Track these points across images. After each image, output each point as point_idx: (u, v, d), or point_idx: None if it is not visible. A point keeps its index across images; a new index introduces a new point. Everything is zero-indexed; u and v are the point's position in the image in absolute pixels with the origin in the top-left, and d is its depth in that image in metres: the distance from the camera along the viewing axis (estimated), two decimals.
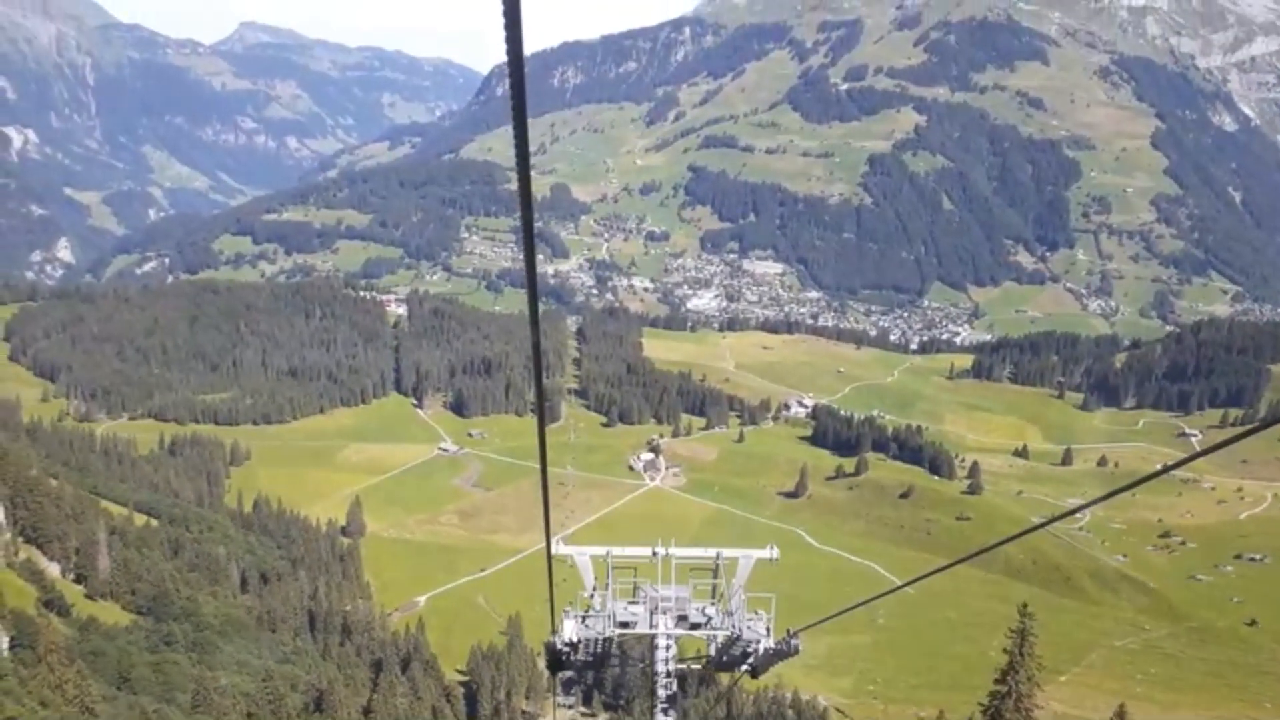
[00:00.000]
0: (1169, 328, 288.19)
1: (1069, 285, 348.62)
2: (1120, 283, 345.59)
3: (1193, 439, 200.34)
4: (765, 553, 14.45)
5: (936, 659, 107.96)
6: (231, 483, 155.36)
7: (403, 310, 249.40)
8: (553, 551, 13.70)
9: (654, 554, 13.99)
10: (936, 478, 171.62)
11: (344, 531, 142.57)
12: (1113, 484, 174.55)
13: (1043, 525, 14.38)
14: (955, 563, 12.72)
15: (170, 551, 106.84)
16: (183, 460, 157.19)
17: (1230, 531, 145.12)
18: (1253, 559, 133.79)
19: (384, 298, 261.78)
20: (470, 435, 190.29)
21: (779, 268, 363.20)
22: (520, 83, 3.98)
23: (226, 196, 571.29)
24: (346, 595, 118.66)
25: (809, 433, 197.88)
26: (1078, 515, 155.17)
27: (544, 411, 7.76)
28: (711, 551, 14.26)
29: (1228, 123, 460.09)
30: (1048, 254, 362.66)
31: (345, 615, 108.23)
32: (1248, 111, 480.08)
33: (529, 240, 4.70)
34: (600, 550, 14.09)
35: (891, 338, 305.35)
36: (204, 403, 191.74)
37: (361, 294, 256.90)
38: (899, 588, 17.02)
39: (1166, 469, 9.14)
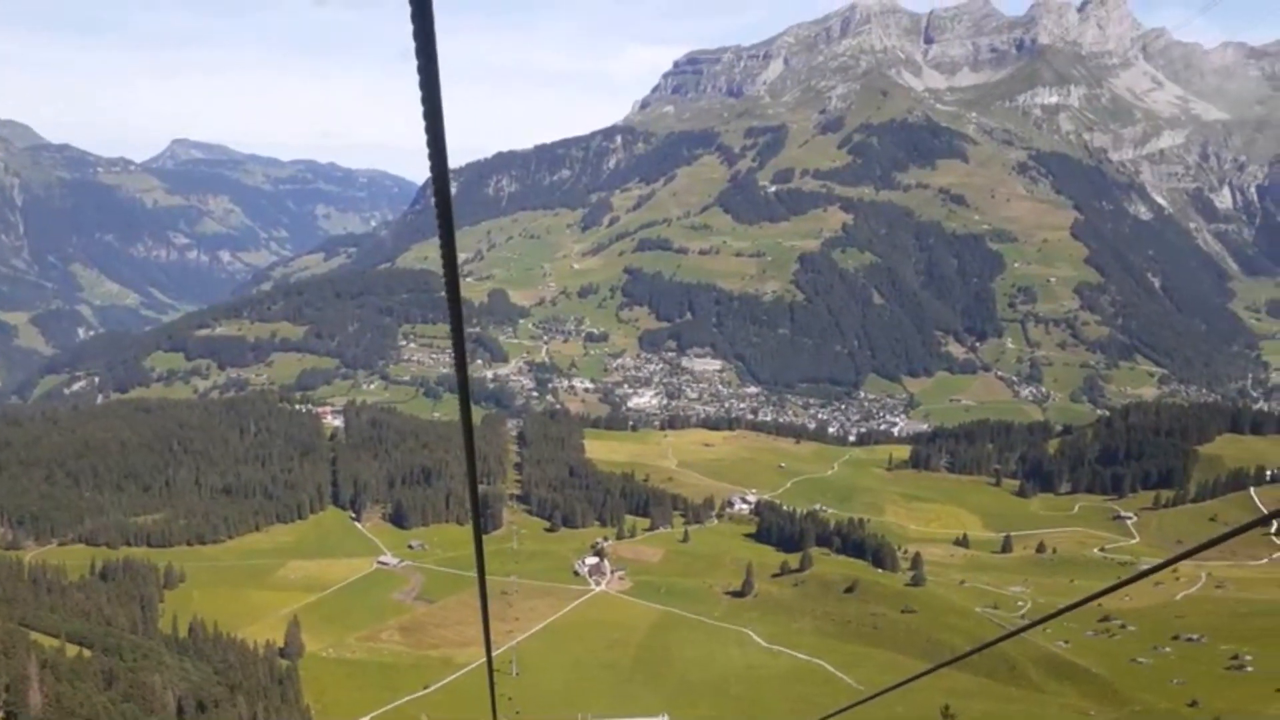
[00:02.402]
0: (1099, 412, 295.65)
1: (1000, 373, 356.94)
2: (1049, 369, 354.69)
3: (1127, 521, 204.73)
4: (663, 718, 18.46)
5: None
6: (166, 606, 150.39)
7: (339, 421, 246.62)
8: None
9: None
10: (880, 570, 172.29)
11: (282, 653, 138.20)
12: (1052, 570, 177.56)
13: (1041, 622, 15.06)
14: (940, 665, 13.32)
15: (104, 683, 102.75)
16: (115, 585, 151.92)
17: (1168, 613, 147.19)
18: (1190, 639, 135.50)
19: (320, 409, 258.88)
20: (410, 547, 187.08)
21: (717, 364, 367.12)
22: (445, 192, 3.86)
23: (158, 313, 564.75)
24: None
25: (753, 529, 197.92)
26: (1019, 602, 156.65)
27: (480, 529, 8.12)
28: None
29: (1143, 212, 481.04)
30: (977, 344, 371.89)
31: None
32: (1160, 201, 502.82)
33: (459, 344, 4.75)
34: None
35: (830, 430, 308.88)
36: (136, 525, 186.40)
37: (297, 406, 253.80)
38: (891, 688, 17.76)
39: (1187, 554, 10.00)
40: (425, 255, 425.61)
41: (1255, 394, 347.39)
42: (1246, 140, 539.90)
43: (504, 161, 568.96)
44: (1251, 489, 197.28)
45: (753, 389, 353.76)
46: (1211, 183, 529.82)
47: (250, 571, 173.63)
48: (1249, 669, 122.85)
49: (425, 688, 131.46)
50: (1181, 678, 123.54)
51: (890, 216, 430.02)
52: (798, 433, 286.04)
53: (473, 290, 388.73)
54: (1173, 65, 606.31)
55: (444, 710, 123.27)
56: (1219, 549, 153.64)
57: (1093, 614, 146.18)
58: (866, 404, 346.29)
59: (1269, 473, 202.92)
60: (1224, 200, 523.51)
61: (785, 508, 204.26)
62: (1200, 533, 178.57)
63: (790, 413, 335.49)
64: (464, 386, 4.97)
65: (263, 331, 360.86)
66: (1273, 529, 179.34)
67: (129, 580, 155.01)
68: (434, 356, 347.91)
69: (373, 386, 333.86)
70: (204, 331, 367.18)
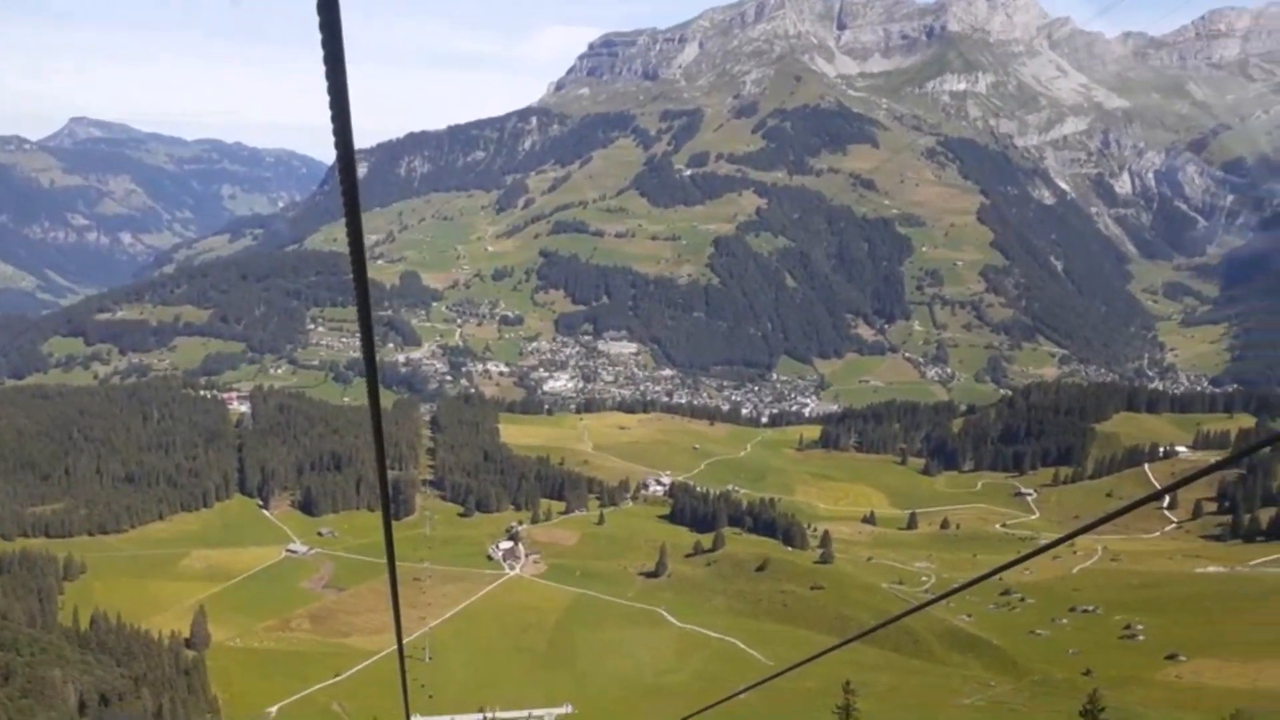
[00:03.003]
0: (1002, 392, 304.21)
1: (907, 355, 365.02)
2: (955, 350, 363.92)
3: (1027, 498, 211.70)
4: (564, 709, 20.15)
5: None
6: (66, 599, 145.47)
7: (246, 408, 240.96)
8: None
9: (484, 718, 18.60)
10: (790, 549, 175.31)
11: (188, 644, 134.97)
12: (955, 546, 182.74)
13: (944, 597, 15.39)
14: (847, 641, 13.56)
15: (0, 679, 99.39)
16: (11, 578, 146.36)
17: (1065, 586, 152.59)
18: (1086, 611, 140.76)
19: (226, 395, 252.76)
20: (320, 534, 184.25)
21: (633, 347, 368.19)
22: (351, 173, 3.78)
23: (56, 296, 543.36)
24: (193, 711, 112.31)
25: (668, 511, 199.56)
26: (924, 578, 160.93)
27: (389, 515, 7.34)
28: (525, 713, 19.50)
29: (1046, 197, 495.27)
30: (886, 326, 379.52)
31: None
32: (1063, 186, 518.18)
33: (366, 327, 4.62)
34: (447, 719, 18.81)
35: (744, 412, 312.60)
36: (34, 515, 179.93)
37: (202, 392, 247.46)
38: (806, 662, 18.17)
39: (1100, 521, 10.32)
40: (334, 237, 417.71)
41: (1151, 373, 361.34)
42: (1146, 128, 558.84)
43: (416, 142, 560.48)
44: (1146, 465, 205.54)
45: (668, 372, 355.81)
46: (1112, 169, 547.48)
47: (154, 561, 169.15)
48: (1140, 638, 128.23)
49: (336, 675, 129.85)
50: (1077, 648, 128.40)
51: (803, 201, 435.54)
52: (712, 415, 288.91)
53: (384, 272, 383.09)
54: (1076, 54, 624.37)
55: (356, 698, 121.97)
56: (1114, 523, 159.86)
57: (994, 588, 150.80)
58: (779, 386, 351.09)
59: (1162, 449, 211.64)
60: (1124, 186, 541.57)
61: (699, 489, 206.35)
62: (1097, 508, 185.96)
63: (705, 395, 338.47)
64: (372, 370, 4.89)
65: (166, 315, 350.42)
66: (1165, 504, 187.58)
67: (26, 572, 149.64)
68: (344, 340, 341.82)
69: (280, 371, 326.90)
70: (104, 316, 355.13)
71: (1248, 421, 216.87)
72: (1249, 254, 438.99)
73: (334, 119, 3.68)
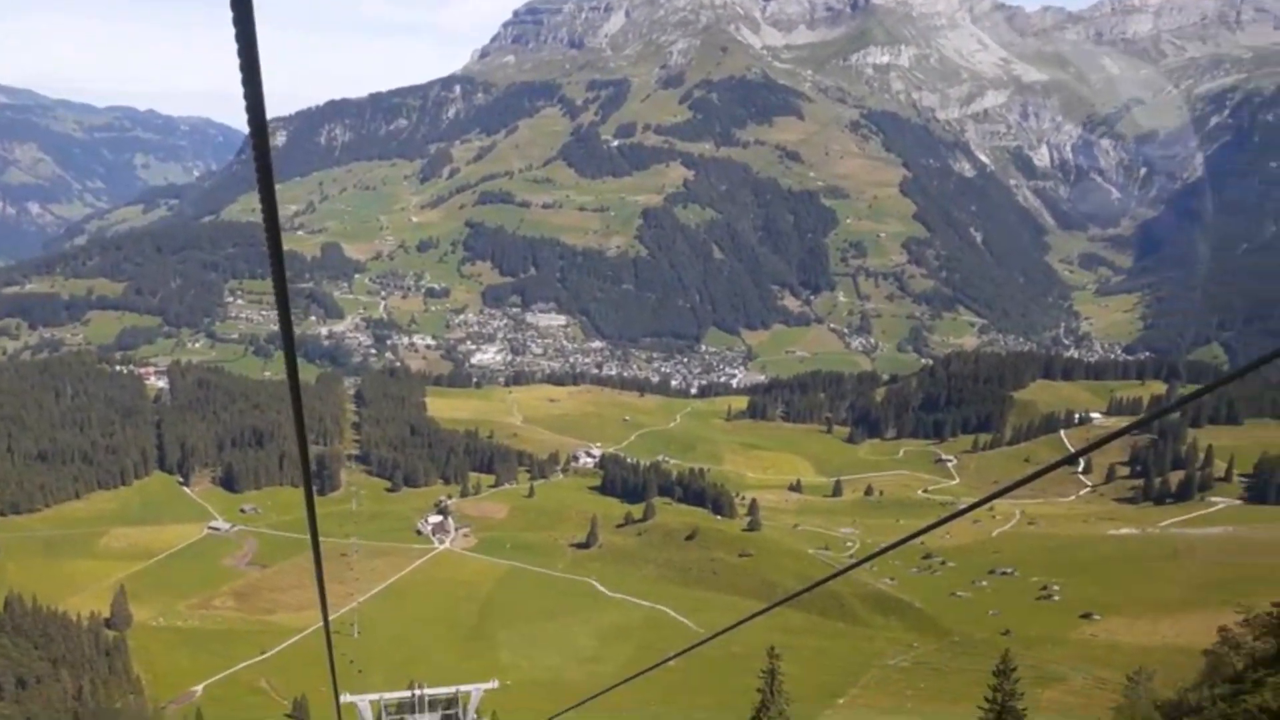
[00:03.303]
0: (923, 361, 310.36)
1: (832, 326, 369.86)
2: (878, 321, 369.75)
3: (948, 464, 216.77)
4: (489, 685, 19.76)
5: (724, 694, 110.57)
6: None
7: (164, 383, 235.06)
8: (340, 702, 17.54)
9: (413, 693, 18.76)
10: (719, 517, 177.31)
11: (108, 624, 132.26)
12: (879, 512, 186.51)
13: (866, 560, 15.39)
14: (772, 605, 13.49)
15: None
16: None
17: (984, 549, 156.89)
18: (1004, 573, 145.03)
19: (142, 370, 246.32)
20: (243, 511, 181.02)
21: (562, 319, 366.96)
22: (264, 141, 3.78)
23: None
24: (115, 692, 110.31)
25: (598, 482, 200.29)
26: (848, 543, 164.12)
27: (311, 489, 7.33)
28: (453, 689, 19.14)
29: (966, 169, 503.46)
30: (812, 297, 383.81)
31: (115, 714, 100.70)
32: (983, 159, 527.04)
33: (282, 298, 4.47)
34: (375, 696, 18.80)
35: (673, 383, 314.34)
36: None
37: (117, 368, 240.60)
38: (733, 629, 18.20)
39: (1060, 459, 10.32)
40: (253, 207, 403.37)
41: (1067, 342, 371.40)
42: (1063, 101, 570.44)
43: (337, 110, 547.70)
44: (1061, 431, 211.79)
45: (597, 344, 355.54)
46: (1031, 141, 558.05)
47: (71, 541, 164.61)
48: (1056, 598, 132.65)
49: (263, 653, 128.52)
50: (996, 608, 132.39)
51: (730, 173, 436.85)
52: (641, 386, 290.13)
53: (304, 244, 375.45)
54: (997, 28, 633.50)
55: (284, 675, 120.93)
56: (1031, 488, 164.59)
57: (916, 552, 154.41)
58: (707, 357, 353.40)
59: (1078, 416, 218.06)
60: (1042, 158, 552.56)
61: (629, 460, 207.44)
62: (1015, 473, 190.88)
63: (634, 367, 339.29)
64: (289, 341, 4.79)
65: (78, 288, 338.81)
66: (1079, 468, 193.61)
67: None
68: (263, 313, 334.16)
69: (198, 345, 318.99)
70: (13, 289, 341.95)
71: (1159, 388, 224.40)
72: (1160, 225, 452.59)
73: (245, 84, 3.55)
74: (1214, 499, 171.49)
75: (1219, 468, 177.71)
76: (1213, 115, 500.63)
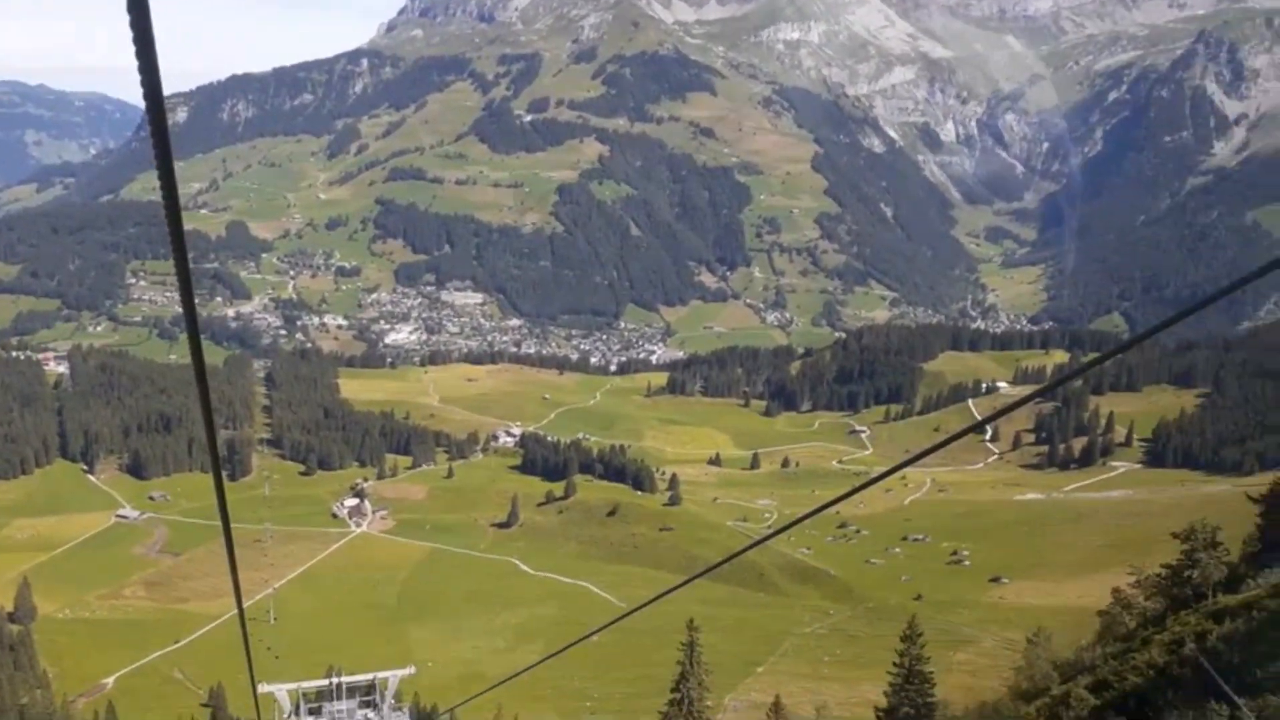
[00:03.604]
0: (837, 334, 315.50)
1: (748, 301, 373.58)
2: (793, 296, 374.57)
3: (861, 435, 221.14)
4: (407, 671, 20.16)
5: (647, 667, 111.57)
6: None
7: (64, 368, 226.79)
8: (257, 692, 17.83)
9: (331, 681, 19.11)
10: (640, 493, 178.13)
11: (12, 618, 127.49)
12: (795, 483, 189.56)
13: (782, 530, 15.59)
14: (692, 578, 13.60)
15: None
16: None
17: (897, 517, 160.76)
18: (917, 539, 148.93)
19: (41, 355, 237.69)
20: (152, 498, 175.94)
21: (478, 297, 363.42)
22: (160, 114, 3.57)
23: None
24: (21, 687, 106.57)
25: (518, 462, 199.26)
26: (766, 515, 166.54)
27: (220, 474, 7.04)
28: (371, 675, 19.38)
29: (876, 145, 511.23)
30: (728, 273, 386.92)
31: (22, 710, 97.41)
32: (892, 134, 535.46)
33: (184, 276, 4.28)
34: (295, 684, 18.90)
35: (592, 361, 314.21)
36: None
37: (14, 353, 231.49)
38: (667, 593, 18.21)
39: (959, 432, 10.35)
40: (153, 186, 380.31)
41: (974, 314, 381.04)
42: (968, 77, 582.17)
43: (239, 85, 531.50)
44: (969, 400, 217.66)
45: (515, 321, 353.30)
46: (937, 117, 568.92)
47: None
48: (966, 563, 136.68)
49: (176, 642, 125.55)
50: (909, 574, 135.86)
51: (644, 149, 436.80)
52: (561, 364, 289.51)
53: (208, 222, 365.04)
54: (903, 3, 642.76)
55: (199, 664, 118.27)
56: (941, 456, 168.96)
57: (831, 521, 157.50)
58: (626, 334, 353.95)
59: (985, 385, 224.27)
60: (948, 134, 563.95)
61: (550, 438, 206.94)
62: (926, 442, 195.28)
63: (553, 344, 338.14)
64: (193, 324, 4.62)
65: None
66: (987, 436, 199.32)
67: None
68: (168, 295, 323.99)
69: (100, 329, 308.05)
70: None
71: (1062, 357, 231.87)
72: (1062, 199, 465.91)
73: (139, 57, 3.41)
74: (1115, 464, 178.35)
75: (1119, 434, 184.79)
76: (1111, 90, 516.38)
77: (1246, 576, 27.88)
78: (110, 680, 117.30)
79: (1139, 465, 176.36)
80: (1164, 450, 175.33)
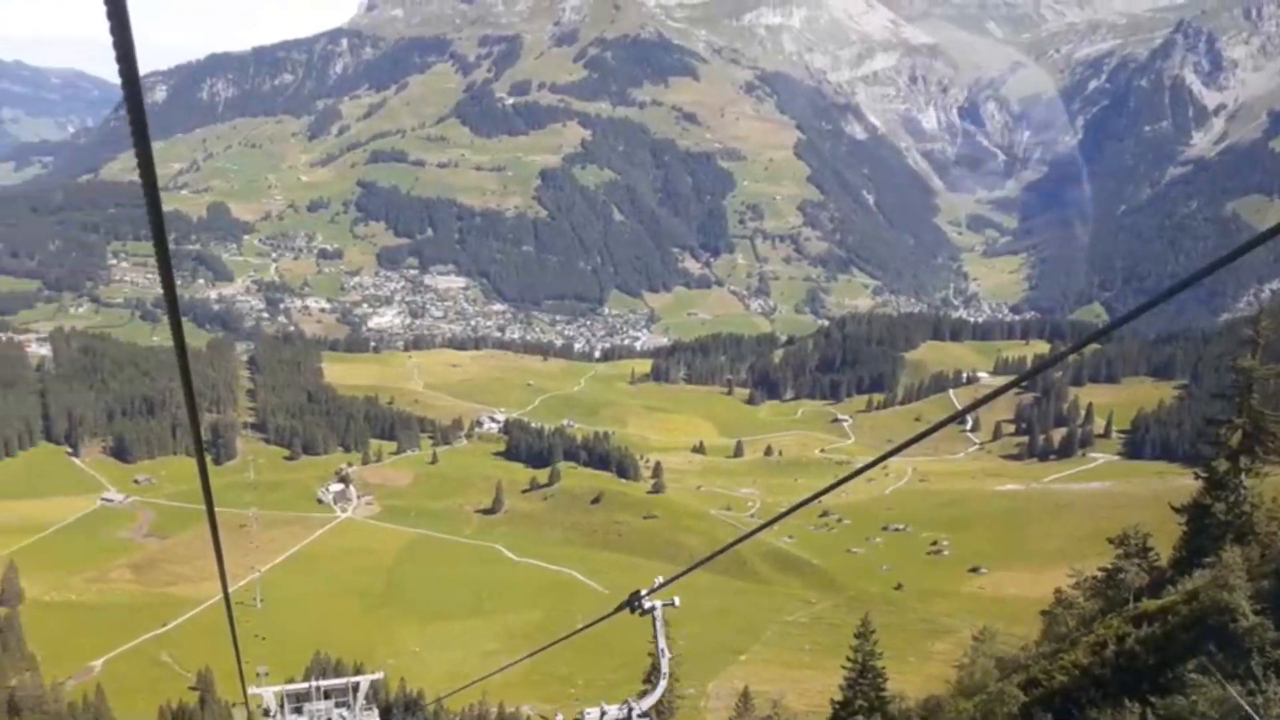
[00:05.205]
0: (820, 322, 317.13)
1: (732, 288, 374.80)
2: (776, 283, 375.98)
3: (844, 423, 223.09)
4: (376, 676, 22.74)
5: (631, 655, 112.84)
6: None
7: (46, 350, 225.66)
8: (248, 693, 19.33)
9: (311, 685, 20.71)
10: (624, 480, 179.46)
11: None
12: (778, 471, 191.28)
13: (773, 522, 16.29)
14: (689, 570, 14.33)
15: None
16: None
17: (879, 506, 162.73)
18: (897, 529, 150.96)
19: (22, 337, 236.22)
20: (137, 482, 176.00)
21: (462, 282, 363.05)
22: (136, 90, 3.39)
23: None
24: (9, 670, 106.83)
25: (503, 448, 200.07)
26: (749, 503, 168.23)
27: (203, 458, 7.18)
28: (345, 680, 21.56)
29: (859, 132, 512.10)
30: (711, 259, 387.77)
31: (11, 692, 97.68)
32: (875, 121, 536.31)
33: (164, 262, 4.34)
34: (280, 688, 20.57)
35: (577, 347, 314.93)
36: None
37: None
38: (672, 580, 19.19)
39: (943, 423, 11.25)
40: (133, 165, 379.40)
41: (956, 302, 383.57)
42: (949, 64, 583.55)
43: (219, 64, 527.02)
44: (950, 390, 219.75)
45: (499, 306, 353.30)
46: (919, 104, 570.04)
47: None
48: (946, 553, 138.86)
49: (164, 625, 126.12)
50: (889, 564, 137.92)
51: (627, 133, 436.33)
52: (545, 350, 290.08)
53: (189, 203, 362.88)
54: None
55: (186, 647, 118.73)
56: (922, 446, 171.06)
57: (814, 510, 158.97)
58: (610, 320, 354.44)
59: (966, 375, 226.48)
60: (930, 121, 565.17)
61: (534, 425, 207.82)
62: (908, 432, 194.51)
63: (538, 330, 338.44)
64: (173, 304, 4.64)
65: None
66: (968, 426, 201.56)
67: None
68: (149, 276, 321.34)
69: (82, 310, 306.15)
70: None
71: (1042, 347, 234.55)
72: (1043, 188, 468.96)
73: (114, 33, 3.24)
74: (1094, 455, 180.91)
75: (1099, 424, 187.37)
76: (1091, 80, 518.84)
77: (1170, 582, 29.44)
78: (98, 663, 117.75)
79: (1117, 457, 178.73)
80: (1142, 442, 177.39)
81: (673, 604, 14.61)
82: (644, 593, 15.95)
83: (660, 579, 12.58)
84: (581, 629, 20.48)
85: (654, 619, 14.41)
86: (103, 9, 3.08)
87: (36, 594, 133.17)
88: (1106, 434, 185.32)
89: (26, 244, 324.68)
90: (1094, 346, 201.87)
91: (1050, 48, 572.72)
